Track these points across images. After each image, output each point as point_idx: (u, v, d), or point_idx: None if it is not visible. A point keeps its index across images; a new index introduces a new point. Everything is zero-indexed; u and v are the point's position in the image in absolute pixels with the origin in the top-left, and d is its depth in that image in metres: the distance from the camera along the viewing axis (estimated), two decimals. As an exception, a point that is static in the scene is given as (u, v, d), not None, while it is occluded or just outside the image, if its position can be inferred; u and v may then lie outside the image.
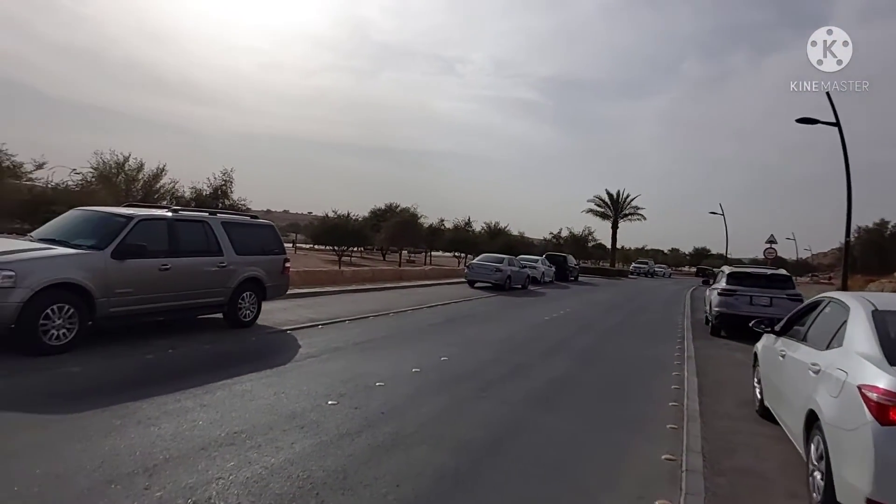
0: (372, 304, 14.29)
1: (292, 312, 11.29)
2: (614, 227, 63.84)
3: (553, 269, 33.48)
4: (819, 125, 17.49)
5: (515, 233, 58.05)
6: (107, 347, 7.01)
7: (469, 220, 54.57)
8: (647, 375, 8.92)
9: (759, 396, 6.61)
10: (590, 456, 5.02)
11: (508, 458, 4.71)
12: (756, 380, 6.90)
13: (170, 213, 8.55)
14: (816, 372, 4.31)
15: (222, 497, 3.45)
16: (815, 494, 4.00)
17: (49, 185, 22.93)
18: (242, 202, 27.91)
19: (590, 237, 65.91)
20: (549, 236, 65.35)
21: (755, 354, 7.10)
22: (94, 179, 22.97)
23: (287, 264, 10.45)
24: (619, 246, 71.52)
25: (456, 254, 52.97)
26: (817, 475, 3.95)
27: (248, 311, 9.43)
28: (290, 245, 48.10)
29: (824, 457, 3.75)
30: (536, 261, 31.35)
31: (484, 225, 56.17)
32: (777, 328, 6.28)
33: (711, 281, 21.28)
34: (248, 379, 6.25)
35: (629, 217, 63.71)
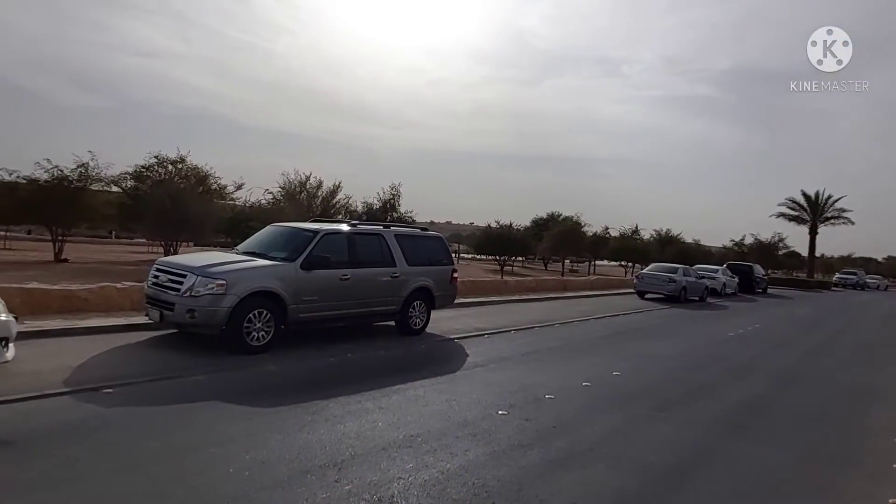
0: (536, 314, 14.10)
1: (459, 321, 11.56)
2: (812, 233, 55.87)
3: (736, 279, 30.25)
4: None
5: (689, 240, 53.69)
6: (297, 349, 7.75)
7: (637, 227, 51.75)
8: (861, 405, 7.58)
9: None
10: (796, 492, 4.34)
11: (699, 486, 4.22)
12: None
13: (349, 227, 9.24)
14: None
15: (403, 497, 3.55)
16: None
17: (247, 204, 26.55)
18: (409, 214, 29.56)
19: (780, 244, 58.45)
20: (729, 244, 59.19)
21: None
22: (281, 197, 26.04)
23: (455, 274, 10.74)
24: (818, 254, 62.46)
25: (622, 263, 50.50)
26: None
27: (418, 320, 9.83)
28: (453, 255, 49.63)
29: None
30: (716, 271, 28.58)
31: (653, 232, 52.88)
32: None
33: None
34: (421, 385, 6.47)
35: (831, 221, 55.31)
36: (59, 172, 20.72)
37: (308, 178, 26.54)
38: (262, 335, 7.41)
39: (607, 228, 49.92)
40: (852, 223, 55.27)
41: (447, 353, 8.75)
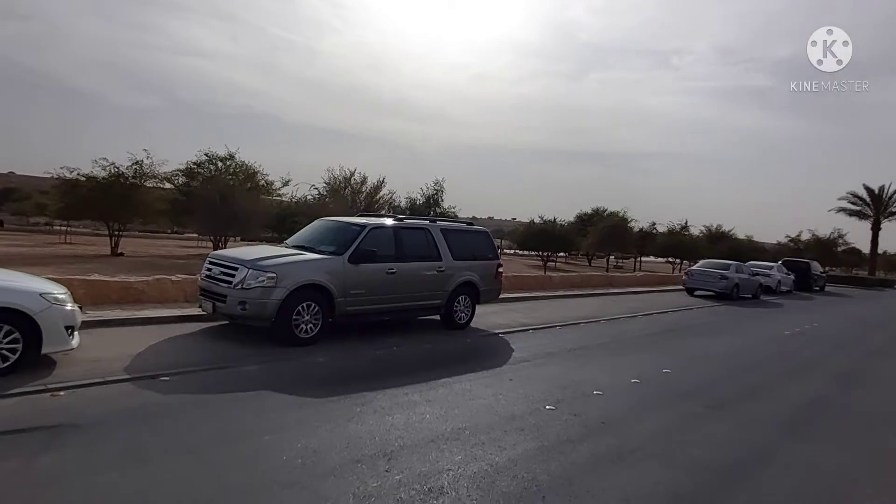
0: (582, 310, 13.88)
1: (504, 316, 11.49)
2: (875, 229, 52.90)
3: (792, 276, 29.04)
4: None
5: (741, 237, 51.84)
6: (344, 342, 7.85)
7: (686, 223, 50.30)
8: (939, 407, 7.11)
9: None
10: (863, 494, 4.11)
11: (757, 487, 4.05)
12: None
13: (395, 221, 9.29)
14: None
15: (453, 488, 3.55)
16: None
17: (293, 200, 27.08)
18: (452, 210, 29.58)
19: (839, 240, 55.73)
20: (784, 240, 56.86)
21: None
22: (326, 193, 26.43)
23: (500, 269, 10.66)
24: (880, 251, 59.20)
25: (670, 260, 49.22)
26: None
27: (463, 314, 9.82)
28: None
29: None
30: (771, 267, 27.49)
31: (703, 228, 51.32)
32: None
33: None
34: (467, 379, 6.45)
35: (896, 216, 52.27)
36: (116, 170, 21.68)
37: (353, 174, 26.85)
38: (311, 327, 7.53)
39: (654, 224, 48.80)
40: (919, 218, 52.11)
41: (492, 348, 8.70)
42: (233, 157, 23.58)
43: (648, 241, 47.03)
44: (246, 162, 24.04)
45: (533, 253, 40.83)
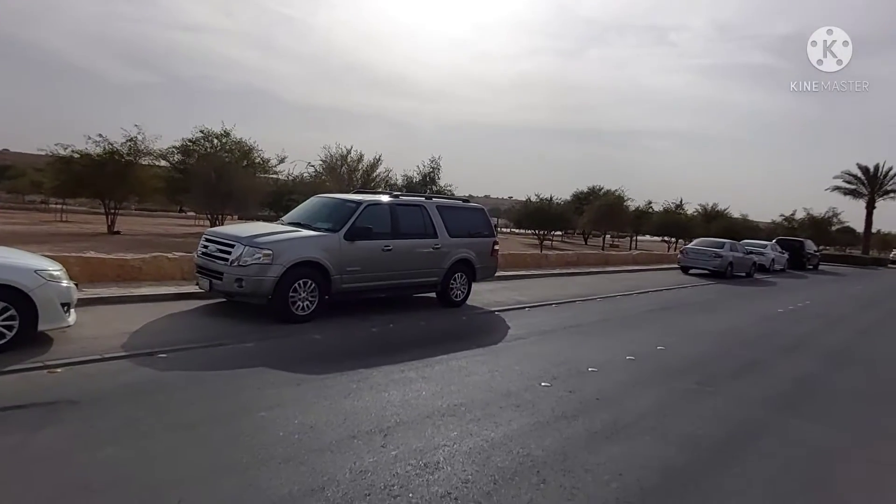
0: (578, 288, 13.94)
1: (499, 294, 11.53)
2: (869, 208, 53.09)
3: (786, 255, 29.17)
4: None
5: (736, 215, 51.95)
6: (339, 319, 7.86)
7: (681, 201, 50.41)
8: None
9: None
10: (859, 474, 4.19)
11: (749, 462, 4.12)
12: None
13: (391, 199, 9.25)
14: None
15: (449, 463, 3.59)
16: None
17: (290, 178, 26.87)
18: (449, 188, 29.44)
19: (834, 219, 55.92)
20: (779, 219, 57.01)
21: None
22: (322, 171, 26.22)
23: (496, 247, 10.66)
24: (875, 230, 59.49)
25: (665, 238, 49.38)
26: None
27: (459, 292, 9.84)
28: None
29: None
30: (765, 246, 27.61)
31: (698, 207, 51.38)
32: None
33: None
34: (463, 356, 6.49)
35: (891, 195, 52.44)
36: (110, 147, 21.41)
37: (349, 152, 26.60)
38: (307, 304, 7.55)
39: (650, 203, 48.88)
40: (914, 197, 52.29)
41: (488, 326, 8.75)
42: (228, 133, 23.33)
43: (644, 220, 47.12)
44: (241, 139, 23.81)
45: (529, 231, 40.80)
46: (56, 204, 37.86)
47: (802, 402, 5.91)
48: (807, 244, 33.08)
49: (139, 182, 22.82)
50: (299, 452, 3.57)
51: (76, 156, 21.38)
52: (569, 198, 48.46)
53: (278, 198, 25.12)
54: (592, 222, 40.79)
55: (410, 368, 5.73)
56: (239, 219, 29.18)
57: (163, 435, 3.73)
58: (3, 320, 5.09)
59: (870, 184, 52.46)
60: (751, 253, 24.29)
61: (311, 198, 9.88)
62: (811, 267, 32.46)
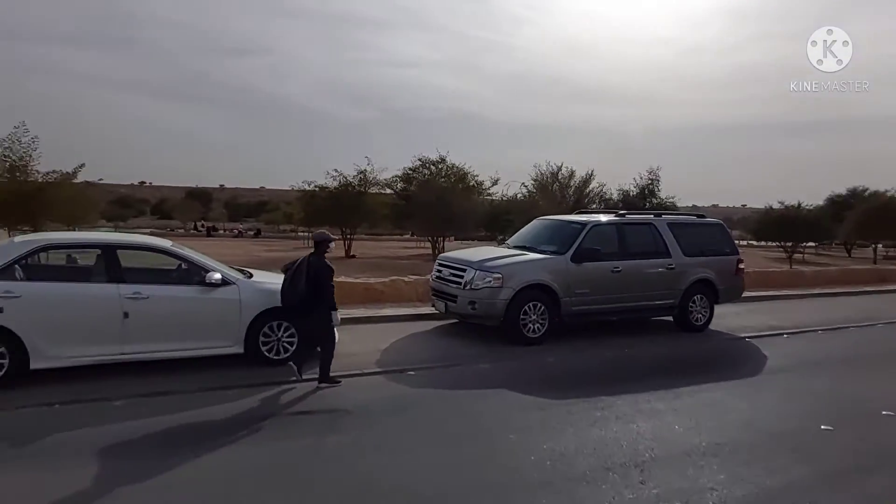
0: (848, 311, 11.65)
1: (747, 318, 10.19)
2: None
3: None
4: None
5: None
6: (571, 342, 7.69)
7: None
8: None
9: None
10: None
11: None
12: None
13: (617, 217, 8.85)
14: None
15: (722, 511, 3.18)
16: None
17: (504, 198, 27.69)
18: (671, 199, 27.40)
19: None
20: None
21: None
22: (534, 190, 26.44)
23: (741, 265, 9.50)
24: None
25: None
26: None
27: (699, 315, 8.94)
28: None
29: None
30: None
31: None
32: None
33: None
34: (716, 388, 5.83)
35: None
36: (345, 180, 24.69)
37: (559, 169, 26.50)
38: (538, 327, 7.55)
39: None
40: None
41: (739, 354, 7.76)
42: (444, 160, 25.05)
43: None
44: (457, 164, 25.36)
45: (773, 243, 35.79)
46: (302, 232, 44.80)
47: None
48: None
49: (369, 210, 25.80)
50: (554, 479, 3.51)
51: (317, 189, 25.14)
52: (822, 202, 41.59)
53: (494, 218, 26.09)
54: (857, 230, 34.15)
55: (657, 399, 5.31)
56: (456, 240, 31.02)
57: (425, 449, 4.01)
58: (287, 337, 6.05)
59: None
60: None
61: (534, 220, 9.94)
62: None
